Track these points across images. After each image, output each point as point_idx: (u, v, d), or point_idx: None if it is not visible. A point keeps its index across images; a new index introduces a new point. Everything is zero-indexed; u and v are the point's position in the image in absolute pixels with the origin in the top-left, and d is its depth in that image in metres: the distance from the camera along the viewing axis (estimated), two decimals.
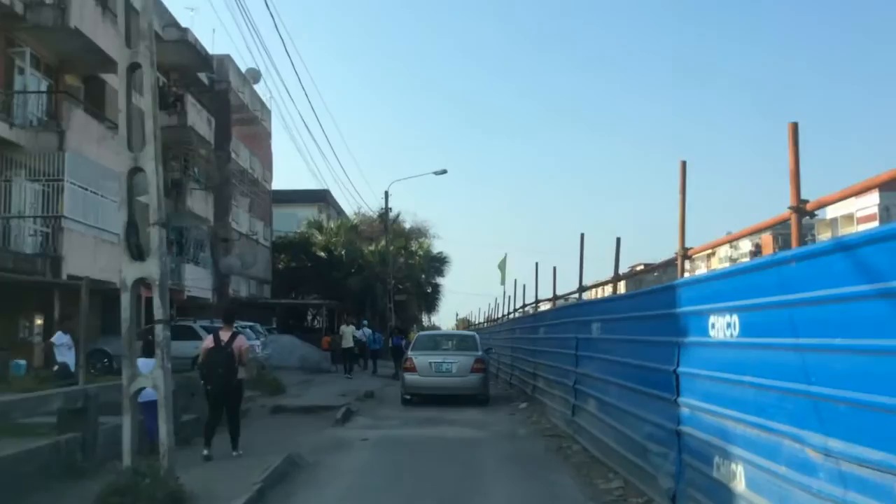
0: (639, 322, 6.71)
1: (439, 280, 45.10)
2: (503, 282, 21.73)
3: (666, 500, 5.65)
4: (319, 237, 41.08)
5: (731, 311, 4.59)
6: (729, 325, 4.62)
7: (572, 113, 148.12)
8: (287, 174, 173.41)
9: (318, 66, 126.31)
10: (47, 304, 18.95)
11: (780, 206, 3.91)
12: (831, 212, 68.36)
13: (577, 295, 10.80)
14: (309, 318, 41.60)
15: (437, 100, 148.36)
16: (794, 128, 3.89)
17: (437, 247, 44.58)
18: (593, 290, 11.48)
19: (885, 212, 66.12)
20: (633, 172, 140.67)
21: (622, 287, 11.41)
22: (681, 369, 5.53)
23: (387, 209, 37.55)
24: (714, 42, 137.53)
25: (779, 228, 5.87)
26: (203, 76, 30.51)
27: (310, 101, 74.63)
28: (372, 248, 40.35)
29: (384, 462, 8.60)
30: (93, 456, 7.69)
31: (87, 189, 19.33)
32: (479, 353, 15.14)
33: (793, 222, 3.93)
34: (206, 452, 8.66)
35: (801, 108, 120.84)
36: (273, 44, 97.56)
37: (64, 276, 18.55)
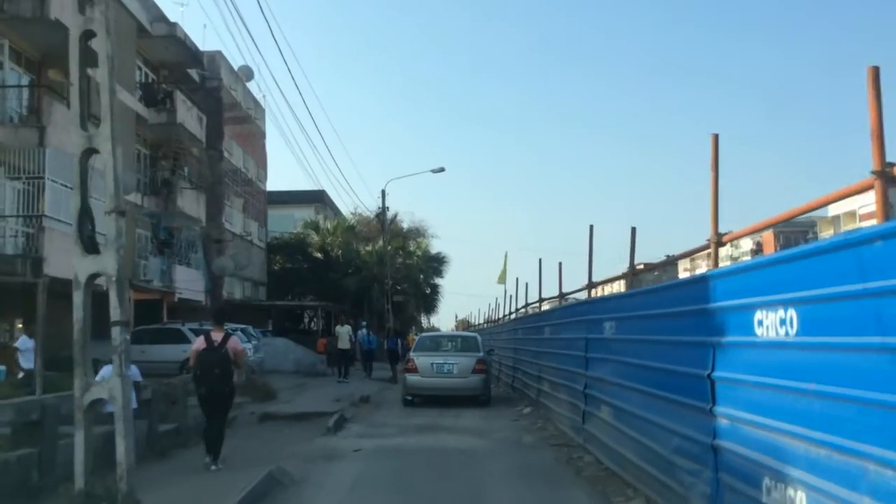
0: (662, 320, 5.94)
1: (438, 280, 44.39)
2: (503, 280, 20.93)
3: None
4: (316, 238, 40.32)
5: (786, 304, 3.81)
6: (783, 321, 3.84)
7: (572, 110, 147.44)
8: (283, 175, 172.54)
9: (312, 64, 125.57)
10: (29, 306, 18.18)
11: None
12: (833, 209, 67.59)
13: (585, 292, 10.01)
14: (306, 320, 40.84)
15: (436, 97, 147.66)
16: (875, 73, 3.12)
17: (435, 247, 43.87)
18: (600, 287, 10.67)
19: (889, 208, 65.42)
20: (634, 171, 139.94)
21: (619, 287, 10.68)
22: (717, 374, 4.75)
23: (384, 208, 36.79)
24: (712, 38, 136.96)
25: (780, 227, 5.61)
26: (194, 73, 29.75)
27: (304, 100, 74.00)
28: (369, 248, 39.59)
29: (378, 477, 7.81)
30: (50, 474, 6.91)
31: (69, 187, 18.50)
32: (481, 353, 15.12)
33: (876, 191, 3.16)
34: (208, 461, 8.19)
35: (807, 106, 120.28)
36: (265, 42, 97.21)
37: (45, 278, 17.75)
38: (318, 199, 45.34)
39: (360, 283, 37.42)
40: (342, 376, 19.80)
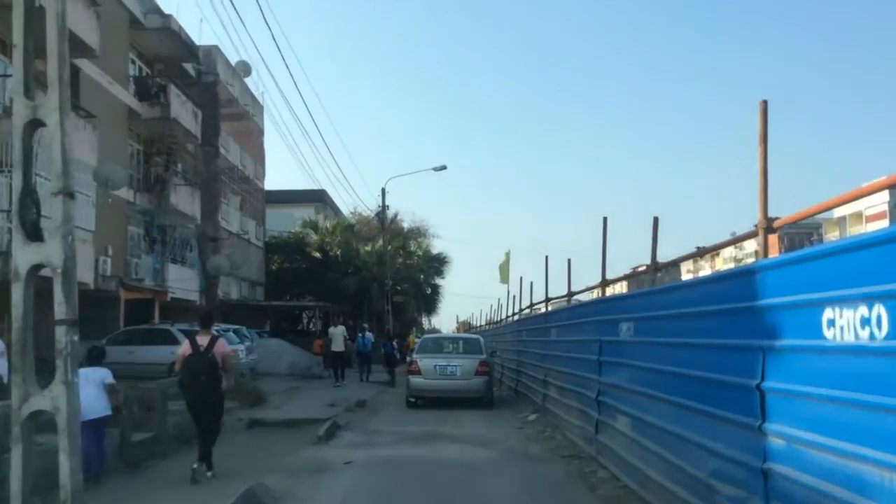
0: (696, 320, 5.16)
1: (439, 281, 43.57)
2: (506, 280, 20.13)
3: None
4: (314, 237, 39.56)
5: (870, 300, 3.04)
6: (866, 321, 3.07)
7: (575, 108, 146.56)
8: (284, 175, 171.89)
9: (311, 62, 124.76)
10: (4, 306, 17.48)
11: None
12: (838, 210, 66.64)
13: (592, 293, 9.23)
14: (305, 320, 40.09)
15: (437, 95, 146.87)
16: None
17: (436, 247, 43.08)
18: (609, 285, 9.89)
19: (895, 210, 64.54)
20: (635, 170, 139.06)
21: (622, 287, 9.93)
22: (769, 384, 3.98)
23: (384, 206, 36.03)
24: (711, 38, 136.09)
25: (785, 229, 5.23)
26: (190, 68, 29.01)
27: (302, 98, 72.99)
28: (369, 248, 38.83)
29: (369, 494, 7.04)
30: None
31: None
32: (484, 356, 15.07)
33: None
34: (209, 474, 7.71)
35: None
36: (263, 39, 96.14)
37: None
38: (318, 198, 44.66)
39: (359, 284, 36.69)
40: (338, 379, 18.94)
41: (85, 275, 18.72)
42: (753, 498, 4.10)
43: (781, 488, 3.82)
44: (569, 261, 10.79)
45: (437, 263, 42.25)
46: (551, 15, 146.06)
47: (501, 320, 23.99)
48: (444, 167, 35.83)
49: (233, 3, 27.95)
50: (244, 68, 33.65)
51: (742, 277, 4.36)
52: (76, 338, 5.34)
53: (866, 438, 3.10)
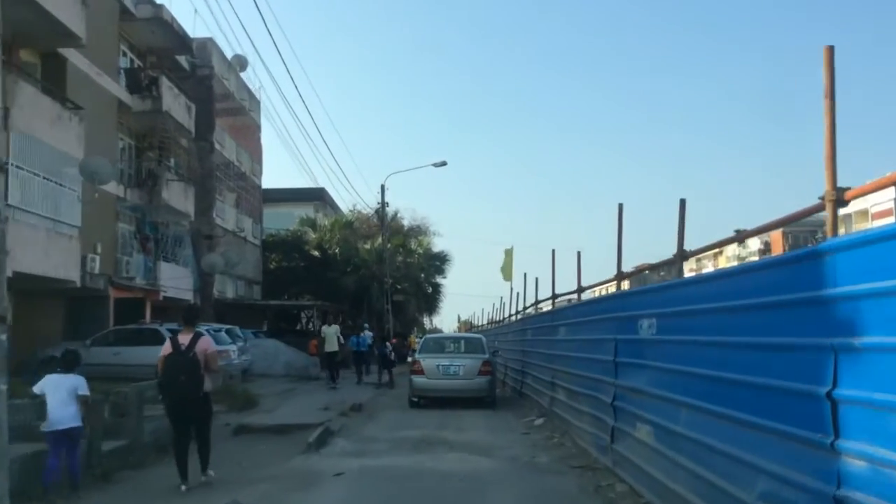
0: (738, 315, 4.39)
1: (440, 280, 42.79)
2: (508, 277, 19.33)
3: None
4: (313, 235, 38.81)
5: None
6: None
7: (578, 104, 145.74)
8: (284, 174, 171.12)
9: (309, 59, 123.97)
10: None
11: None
12: (843, 208, 65.66)
13: (611, 286, 8.46)
14: (303, 320, 39.35)
15: (438, 92, 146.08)
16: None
17: (437, 245, 42.29)
18: (625, 279, 9.10)
19: None
20: (637, 169, 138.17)
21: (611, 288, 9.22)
22: (844, 392, 3.22)
23: (383, 203, 35.29)
24: (710, 39, 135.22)
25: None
26: (184, 61, 28.27)
27: (300, 94, 71.49)
28: (368, 246, 38.07)
29: None
30: None
31: (37, 175, 17.03)
32: (486, 355, 15.01)
33: None
34: (183, 488, 7.12)
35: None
36: (260, 34, 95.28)
37: (9, 274, 16.26)
38: (318, 197, 44.00)
39: (358, 283, 35.95)
40: (334, 382, 18.12)
41: (71, 273, 17.97)
42: None
43: None
44: (578, 253, 10.03)
45: (438, 262, 41.50)
46: (553, 10, 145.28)
47: (504, 319, 23.24)
48: (444, 163, 35.13)
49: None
50: (240, 62, 32.90)
51: (805, 262, 3.58)
52: (5, 336, 4.57)
53: None
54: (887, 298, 2.93)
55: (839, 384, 3.25)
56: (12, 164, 16.32)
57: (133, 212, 23.89)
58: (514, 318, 19.97)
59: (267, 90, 66.01)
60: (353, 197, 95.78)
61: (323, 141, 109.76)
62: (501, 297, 24.17)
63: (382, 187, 34.97)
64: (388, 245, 36.66)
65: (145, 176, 24.30)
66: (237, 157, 33.75)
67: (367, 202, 45.28)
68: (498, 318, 26.19)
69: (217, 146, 30.21)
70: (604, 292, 11.06)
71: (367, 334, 21.27)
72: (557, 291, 12.34)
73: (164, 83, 23.97)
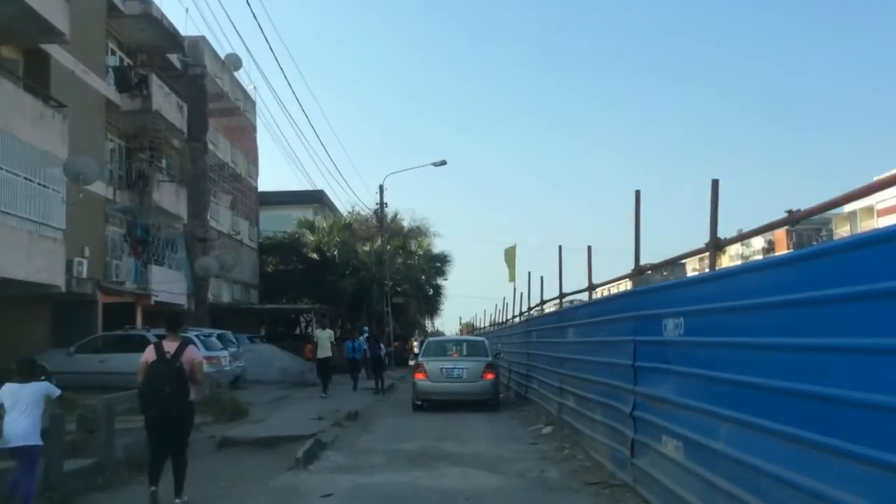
0: (805, 309, 3.59)
1: (441, 281, 41.98)
2: (513, 277, 18.57)
3: None
4: (311, 237, 38.04)
5: None
6: None
7: (579, 96, 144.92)
8: (282, 177, 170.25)
9: (305, 57, 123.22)
10: None
11: None
12: (849, 205, 65.03)
13: (625, 282, 7.69)
14: (302, 324, 38.59)
15: (437, 87, 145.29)
16: None
17: (437, 246, 41.49)
18: (643, 273, 8.28)
19: None
20: (640, 165, 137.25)
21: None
22: None
23: (381, 203, 34.52)
24: (708, 41, 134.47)
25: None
26: (175, 59, 27.54)
27: (295, 94, 71.23)
28: (367, 248, 37.30)
29: None
30: None
31: (18, 175, 16.27)
32: (490, 358, 15.00)
33: None
34: (153, 488, 6.56)
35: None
36: (253, 33, 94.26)
37: None
38: (316, 199, 43.31)
39: (358, 285, 35.21)
40: (325, 388, 17.01)
41: (55, 277, 17.21)
42: None
43: None
44: (589, 248, 9.24)
45: (439, 263, 40.71)
46: (554, 6, 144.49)
47: (507, 321, 22.47)
48: (443, 162, 34.46)
49: None
50: (234, 61, 32.24)
51: None
52: None
53: None
54: None
55: None
56: None
57: (123, 214, 23.15)
58: (517, 319, 19.20)
59: (262, 91, 65.32)
60: (351, 198, 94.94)
61: (320, 142, 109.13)
62: (504, 298, 23.38)
63: (381, 187, 34.28)
64: (388, 246, 35.94)
65: (136, 177, 23.55)
66: (232, 158, 33.00)
67: (365, 203, 44.64)
68: (500, 320, 25.42)
69: (211, 147, 29.47)
70: (605, 293, 10.30)
71: (360, 340, 20.24)
72: (565, 290, 11.55)
73: (154, 81, 23.22)
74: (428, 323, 50.37)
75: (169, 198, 24.28)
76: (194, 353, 6.86)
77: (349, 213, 40.68)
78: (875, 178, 3.42)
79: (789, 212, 4.07)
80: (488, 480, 7.47)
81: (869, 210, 71.25)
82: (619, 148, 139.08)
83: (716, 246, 5.15)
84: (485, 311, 37.56)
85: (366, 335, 22.82)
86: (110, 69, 22.90)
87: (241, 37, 65.65)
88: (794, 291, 3.61)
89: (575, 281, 11.41)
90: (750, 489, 4.08)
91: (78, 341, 17.61)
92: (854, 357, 3.09)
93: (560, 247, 11.24)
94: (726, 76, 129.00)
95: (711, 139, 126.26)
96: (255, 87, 36.34)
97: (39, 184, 16.90)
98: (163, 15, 24.34)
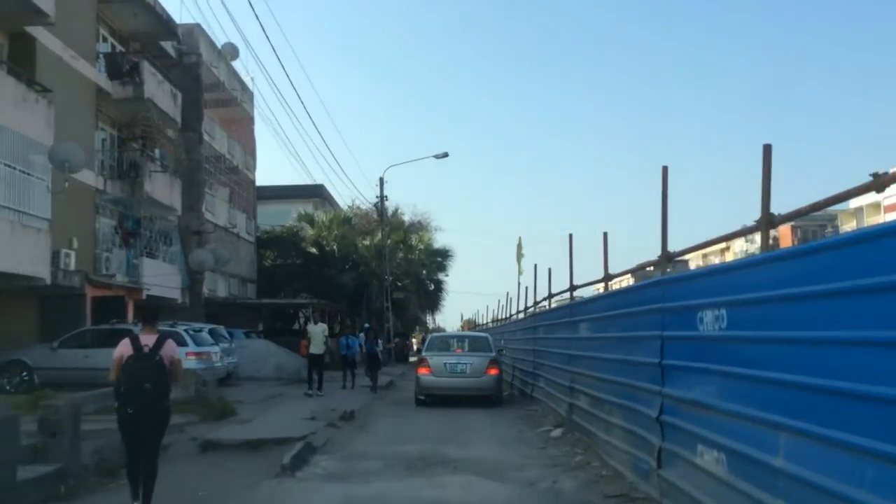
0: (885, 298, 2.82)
1: (442, 277, 41.16)
2: (521, 271, 17.76)
3: None
4: (310, 231, 37.25)
5: None
6: None
7: (582, 96, 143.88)
8: (282, 170, 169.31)
9: (305, 49, 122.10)
10: None
11: None
12: (855, 200, 64.05)
13: (640, 273, 6.89)
14: (301, 319, 37.82)
15: (437, 81, 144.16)
16: None
17: (439, 241, 40.67)
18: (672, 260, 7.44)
19: None
20: (641, 162, 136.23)
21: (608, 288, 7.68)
22: None
23: (382, 196, 33.74)
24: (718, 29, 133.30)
25: (798, 221, 3.44)
26: (170, 47, 26.75)
27: (294, 87, 69.73)
28: (367, 242, 36.50)
29: None
30: None
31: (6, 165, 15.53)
32: (493, 353, 15.01)
33: None
34: None
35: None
36: (248, 20, 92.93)
37: None
38: (317, 193, 42.59)
39: (357, 280, 34.44)
40: (311, 388, 15.80)
41: (39, 269, 16.46)
42: None
43: None
44: (605, 234, 8.40)
45: (440, 258, 39.88)
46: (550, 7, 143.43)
47: (510, 316, 21.69)
48: (445, 154, 33.69)
49: None
50: (231, 51, 31.39)
51: None
52: None
53: None
54: None
55: None
56: None
57: (114, 205, 22.38)
58: (521, 314, 18.43)
59: (260, 84, 64.19)
60: (351, 192, 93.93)
61: (319, 135, 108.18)
62: (508, 293, 22.58)
63: (381, 179, 33.50)
64: (388, 241, 35.16)
65: (127, 167, 22.79)
66: (229, 149, 32.22)
67: (366, 197, 43.85)
68: (503, 316, 24.64)
69: (206, 137, 28.70)
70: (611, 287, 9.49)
71: (355, 337, 19.22)
72: (576, 282, 10.75)
73: (147, 68, 22.42)
74: (429, 319, 49.62)
75: (162, 189, 23.52)
76: (174, 349, 6.37)
77: (349, 206, 39.92)
78: None
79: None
80: (495, 491, 6.69)
81: (876, 206, 70.42)
82: (623, 147, 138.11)
83: (769, 223, 4.36)
84: (487, 307, 36.84)
85: (366, 328, 22.00)
86: (101, 56, 22.13)
87: (237, 26, 64.72)
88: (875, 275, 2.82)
89: (584, 275, 10.63)
90: None
91: (61, 336, 16.87)
92: None
93: (571, 235, 10.45)
94: (726, 74, 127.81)
95: (715, 135, 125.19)
96: (252, 78, 35.54)
97: (22, 171, 16.14)
98: (156, 1, 23.57)
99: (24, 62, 17.55)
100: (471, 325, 44.26)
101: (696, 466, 5.05)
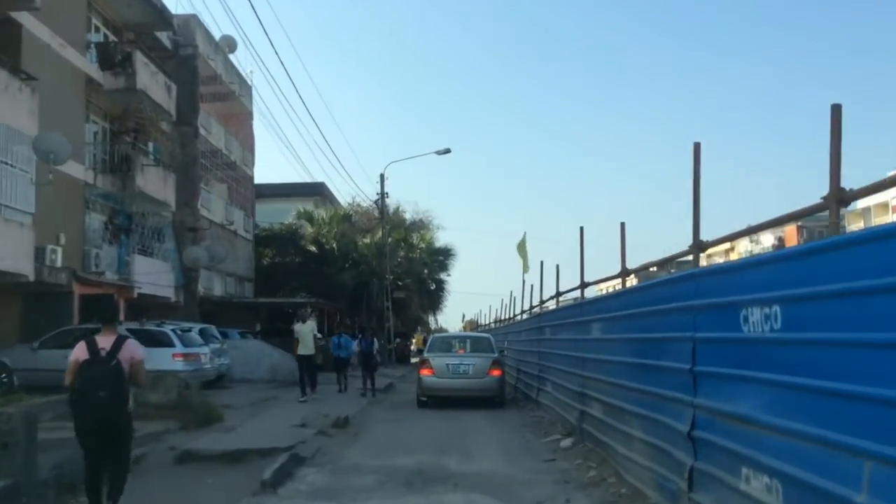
0: None
1: (443, 276, 40.35)
2: (527, 269, 16.99)
3: None
4: (310, 229, 36.48)
5: None
6: None
7: (583, 91, 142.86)
8: (284, 168, 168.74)
9: (304, 45, 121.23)
10: None
11: None
12: (863, 201, 63.17)
13: (669, 265, 6.11)
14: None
15: (439, 78, 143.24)
16: None
17: (441, 239, 39.85)
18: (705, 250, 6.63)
19: None
20: (640, 160, 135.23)
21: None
22: None
23: (382, 193, 32.96)
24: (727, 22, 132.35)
25: (804, 221, 2.94)
26: (165, 39, 25.99)
27: (293, 82, 69.05)
28: (367, 240, 35.72)
29: None
30: None
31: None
32: (496, 354, 14.91)
33: None
34: None
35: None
36: (246, 13, 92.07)
37: None
38: (317, 191, 41.88)
39: (357, 279, 33.69)
40: (305, 394, 14.77)
41: (22, 265, 15.71)
42: None
43: None
44: (622, 225, 7.54)
45: (442, 257, 39.07)
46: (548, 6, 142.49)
47: (513, 317, 20.90)
48: (447, 150, 32.92)
49: None
50: (229, 43, 30.65)
51: None
52: None
53: None
54: None
55: None
56: None
57: (105, 200, 21.62)
58: (525, 314, 17.64)
59: (258, 79, 63.36)
60: (352, 189, 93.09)
61: (319, 131, 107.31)
62: (511, 292, 21.79)
63: (382, 176, 32.73)
64: (389, 239, 34.39)
65: (119, 161, 22.03)
66: (226, 144, 31.50)
67: (366, 195, 43.01)
68: (506, 316, 23.86)
69: (203, 132, 27.95)
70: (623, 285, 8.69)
71: (346, 338, 18.30)
72: (587, 279, 9.96)
73: (139, 58, 21.66)
74: (430, 319, 48.83)
75: (155, 184, 22.76)
76: (134, 350, 5.76)
77: (349, 204, 39.17)
78: None
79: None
80: None
81: (884, 206, 69.54)
82: (622, 146, 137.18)
83: (839, 200, 3.58)
84: (490, 307, 36.01)
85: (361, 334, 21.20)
86: (92, 45, 21.39)
87: (235, 19, 64.09)
88: None
89: (588, 274, 9.84)
90: None
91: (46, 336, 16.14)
92: None
93: (581, 228, 9.64)
94: (726, 75, 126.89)
95: (714, 136, 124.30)
96: (251, 72, 34.79)
97: (4, 162, 15.41)
98: None
99: (8, 48, 16.81)
100: (472, 325, 43.44)
101: (739, 492, 4.26)
